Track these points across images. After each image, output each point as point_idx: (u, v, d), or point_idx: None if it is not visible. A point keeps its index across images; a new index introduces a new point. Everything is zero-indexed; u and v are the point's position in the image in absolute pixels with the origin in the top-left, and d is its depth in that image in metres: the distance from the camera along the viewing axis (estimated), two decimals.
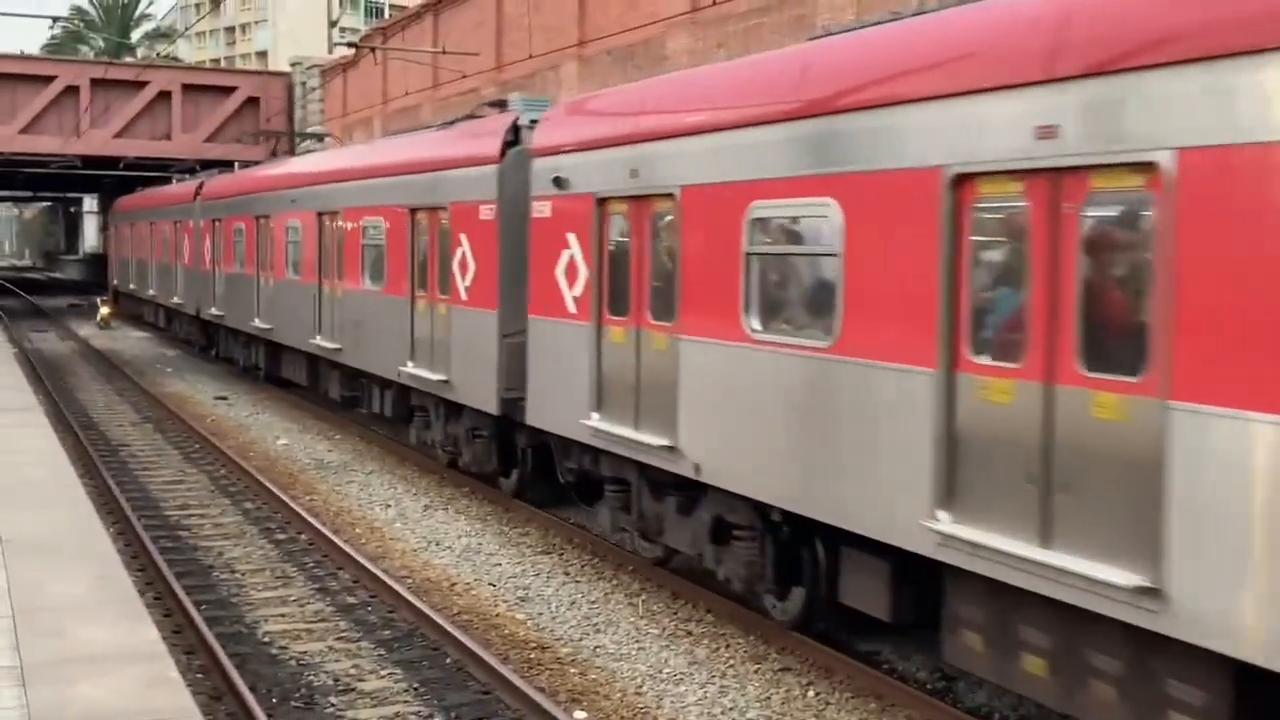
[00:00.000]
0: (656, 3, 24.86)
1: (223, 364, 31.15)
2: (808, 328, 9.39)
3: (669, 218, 11.05)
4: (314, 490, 17.14)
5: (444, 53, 31.26)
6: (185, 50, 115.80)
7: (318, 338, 21.37)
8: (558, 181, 12.77)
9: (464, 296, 15.42)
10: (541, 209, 13.26)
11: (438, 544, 14.18)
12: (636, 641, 10.83)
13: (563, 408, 12.80)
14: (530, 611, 11.70)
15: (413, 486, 17.30)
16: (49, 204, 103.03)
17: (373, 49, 33.39)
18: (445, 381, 15.95)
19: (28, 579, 9.70)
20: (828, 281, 9.09)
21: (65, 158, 43.64)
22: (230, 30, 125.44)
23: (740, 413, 10.02)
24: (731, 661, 10.35)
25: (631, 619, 11.44)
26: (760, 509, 10.17)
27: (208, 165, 40.76)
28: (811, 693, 9.73)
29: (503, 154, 14.62)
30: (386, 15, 78.74)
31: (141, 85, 43.50)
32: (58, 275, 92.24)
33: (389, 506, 16.12)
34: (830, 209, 8.94)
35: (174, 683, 7.67)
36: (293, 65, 48.18)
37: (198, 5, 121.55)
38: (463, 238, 15.39)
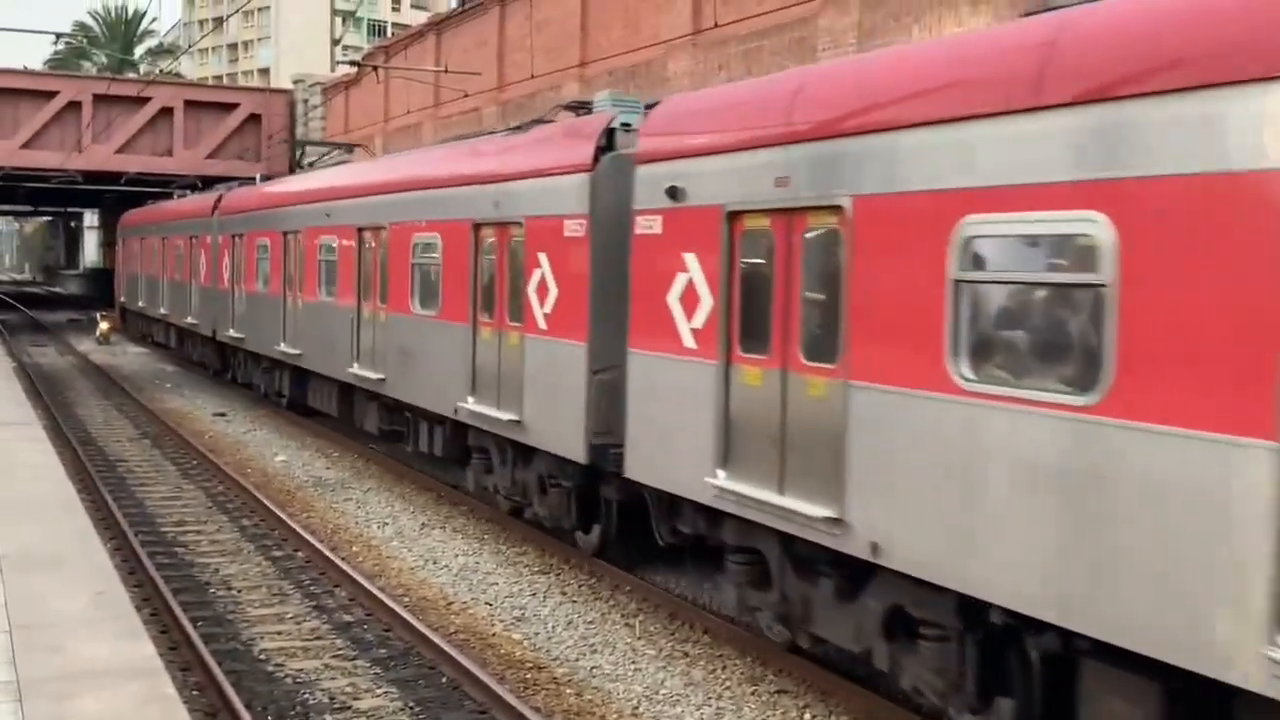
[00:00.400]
0: (658, 25, 24.98)
1: (238, 388, 31.01)
2: (1056, 379, 7.31)
3: (833, 235, 9.06)
4: (311, 507, 17.14)
5: (446, 71, 31.38)
6: (188, 67, 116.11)
7: (355, 366, 19.16)
8: (673, 192, 10.80)
9: (542, 325, 13.33)
10: (648, 224, 11.35)
11: (435, 562, 14.17)
12: (633, 662, 10.83)
13: (674, 460, 10.89)
14: (527, 631, 11.69)
15: (410, 504, 17.29)
16: (49, 219, 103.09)
17: (375, 67, 33.50)
18: (516, 422, 13.80)
19: (25, 594, 9.70)
20: (1091, 317, 7.03)
21: (66, 173, 43.71)
22: (233, 47, 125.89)
23: (946, 483, 7.92)
24: (728, 683, 10.35)
25: (628, 639, 11.43)
26: (965, 604, 8.05)
27: (209, 182, 40.85)
28: (808, 715, 9.73)
29: (595, 161, 12.52)
30: (389, 34, 79.01)
31: (144, 101, 43.59)
32: (57, 290, 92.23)
33: (386, 524, 16.11)
34: (1097, 225, 6.91)
35: (170, 699, 7.67)
36: (295, 82, 48.34)
37: (201, 22, 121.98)
38: (541, 257, 13.30)
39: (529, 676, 10.44)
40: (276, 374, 25.45)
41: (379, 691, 10.02)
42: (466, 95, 31.07)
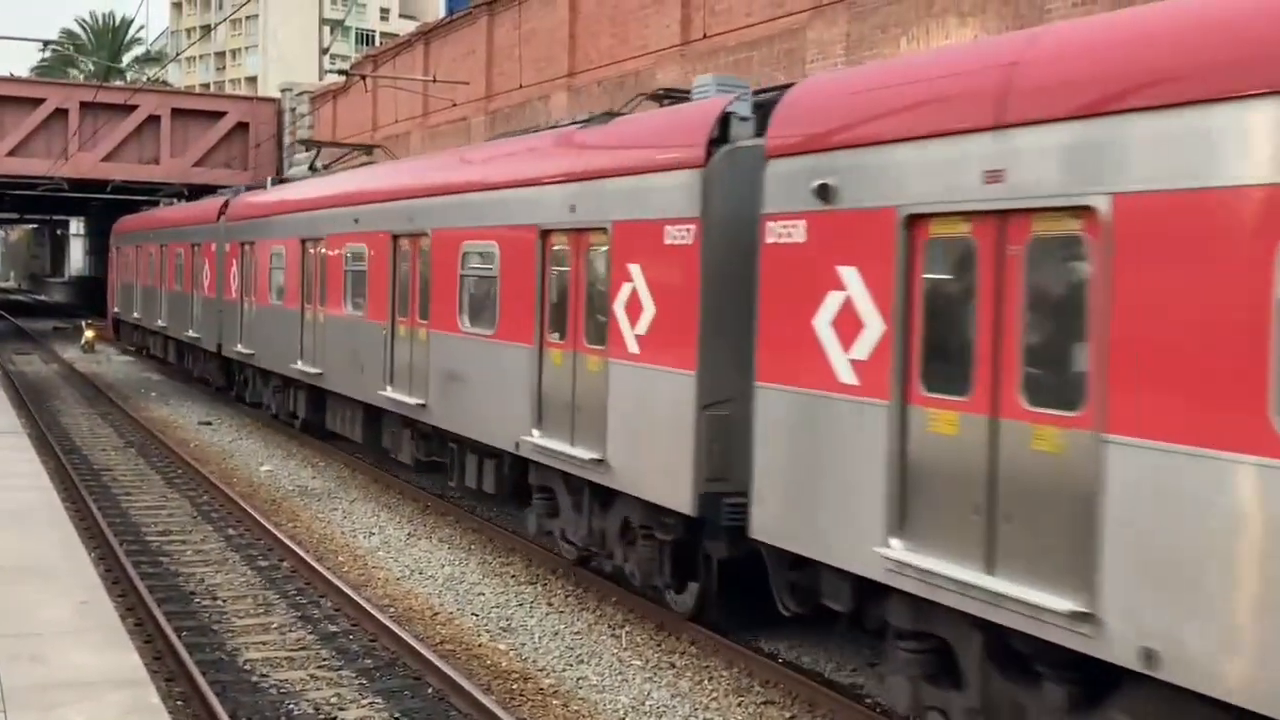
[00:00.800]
0: (647, 35, 25.00)
1: (223, 397, 30.94)
2: None
3: (1075, 244, 7.13)
4: (297, 517, 17.08)
5: (434, 81, 31.32)
6: (175, 75, 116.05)
7: (388, 389, 17.15)
8: (823, 192, 8.87)
9: (633, 348, 11.36)
10: (786, 231, 9.34)
11: (420, 573, 14.13)
12: (620, 673, 10.80)
13: (823, 522, 8.94)
14: (513, 642, 11.66)
15: (396, 515, 17.25)
16: (35, 226, 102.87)
17: (363, 76, 33.47)
18: (597, 461, 11.81)
19: (9, 603, 9.65)
20: None
21: (53, 180, 43.60)
22: (220, 55, 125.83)
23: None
24: (715, 694, 10.33)
25: (615, 650, 11.41)
26: None
27: (195, 190, 40.77)
28: None
29: (709, 155, 10.51)
30: (377, 43, 79.08)
31: (131, 109, 43.51)
32: (43, 298, 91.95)
33: (372, 534, 16.07)
34: None
35: (155, 709, 7.63)
36: (282, 91, 48.28)
37: (188, 30, 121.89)
38: (633, 270, 11.34)
39: (515, 687, 10.41)
40: (290, 393, 23.47)
41: (364, 702, 9.99)
42: (455, 104, 31.05)
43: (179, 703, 9.73)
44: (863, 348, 8.61)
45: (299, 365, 21.53)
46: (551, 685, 10.51)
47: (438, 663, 10.47)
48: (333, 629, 11.94)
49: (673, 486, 10.79)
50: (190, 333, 30.53)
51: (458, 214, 15.29)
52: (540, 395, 13.05)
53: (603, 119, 13.13)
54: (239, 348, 25.76)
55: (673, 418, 10.77)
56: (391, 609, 12.56)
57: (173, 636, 11.03)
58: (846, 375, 8.73)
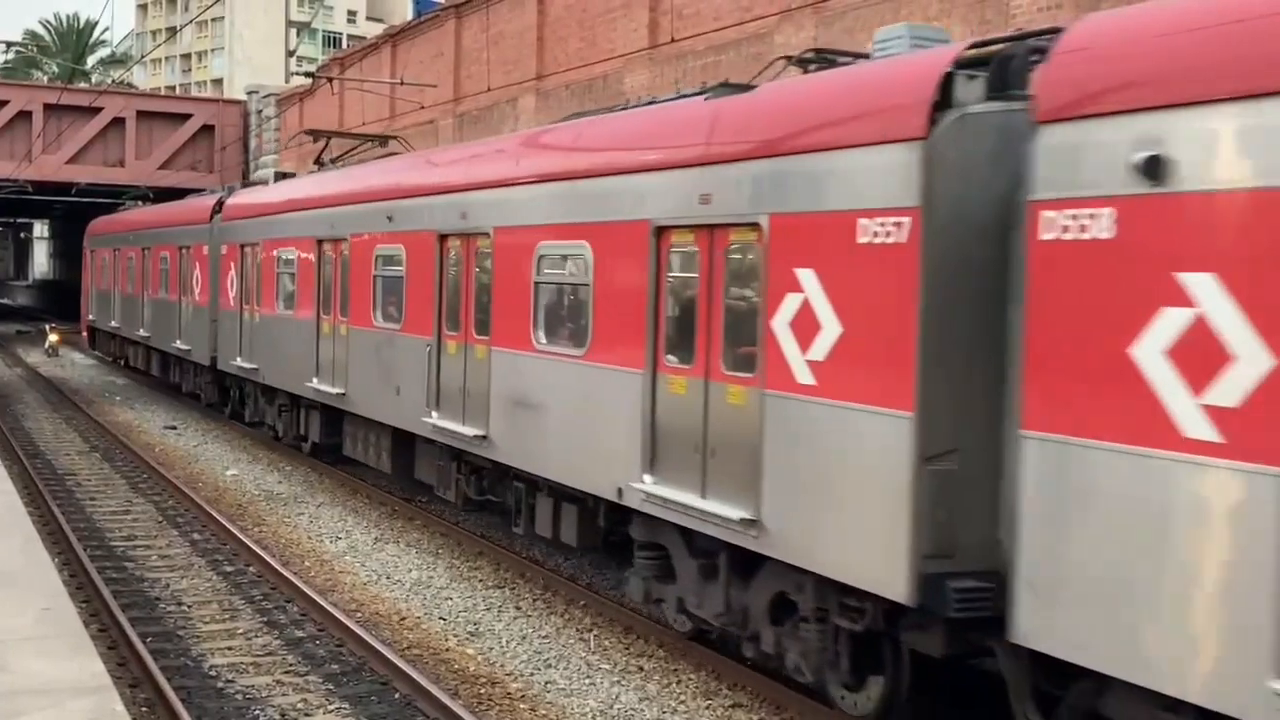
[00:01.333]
0: (615, 39, 25.03)
1: (188, 400, 30.71)
2: None
3: None
4: (263, 522, 16.99)
5: (401, 84, 31.27)
6: (140, 77, 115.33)
7: (434, 416, 14.60)
8: (1152, 167, 6.48)
9: (804, 379, 8.81)
10: (1080, 223, 6.96)
11: (388, 577, 14.08)
12: (588, 677, 10.79)
13: (1152, 634, 6.50)
14: (481, 646, 11.63)
15: (363, 519, 17.18)
16: None
17: (330, 79, 33.37)
18: (749, 522, 9.25)
19: None
20: None
21: (16, 183, 43.29)
22: (186, 58, 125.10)
23: None
24: (683, 698, 10.33)
25: (583, 654, 11.39)
26: None
27: (161, 193, 40.52)
28: None
29: (931, 123, 7.95)
30: (345, 45, 78.77)
31: (95, 111, 43.28)
32: (6, 301, 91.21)
33: (339, 539, 15.99)
34: None
35: (119, 716, 7.56)
36: (249, 93, 48.13)
37: (154, 32, 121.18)
38: (804, 277, 8.83)
39: (483, 692, 10.38)
40: (300, 414, 20.87)
41: (331, 708, 9.94)
42: (422, 107, 31.01)
43: (143, 709, 9.66)
44: (1226, 391, 6.15)
45: (315, 384, 18.94)
46: (519, 689, 10.48)
47: (405, 667, 10.43)
48: (299, 634, 11.88)
49: (873, 562, 8.30)
50: (179, 344, 27.86)
51: (531, 209, 12.70)
52: (654, 432, 10.56)
53: (730, 90, 10.52)
54: (238, 361, 23.10)
55: (875, 472, 8.26)
56: (358, 614, 12.51)
57: (137, 642, 10.95)
58: (1197, 428, 6.27)
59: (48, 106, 42.55)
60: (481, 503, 14.61)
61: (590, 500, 11.91)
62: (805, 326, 8.83)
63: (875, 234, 8.26)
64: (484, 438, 13.44)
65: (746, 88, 10.37)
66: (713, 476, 9.83)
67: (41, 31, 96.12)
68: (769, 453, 9.12)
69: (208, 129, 45.77)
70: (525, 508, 13.25)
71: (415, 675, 10.22)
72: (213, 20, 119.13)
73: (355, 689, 10.35)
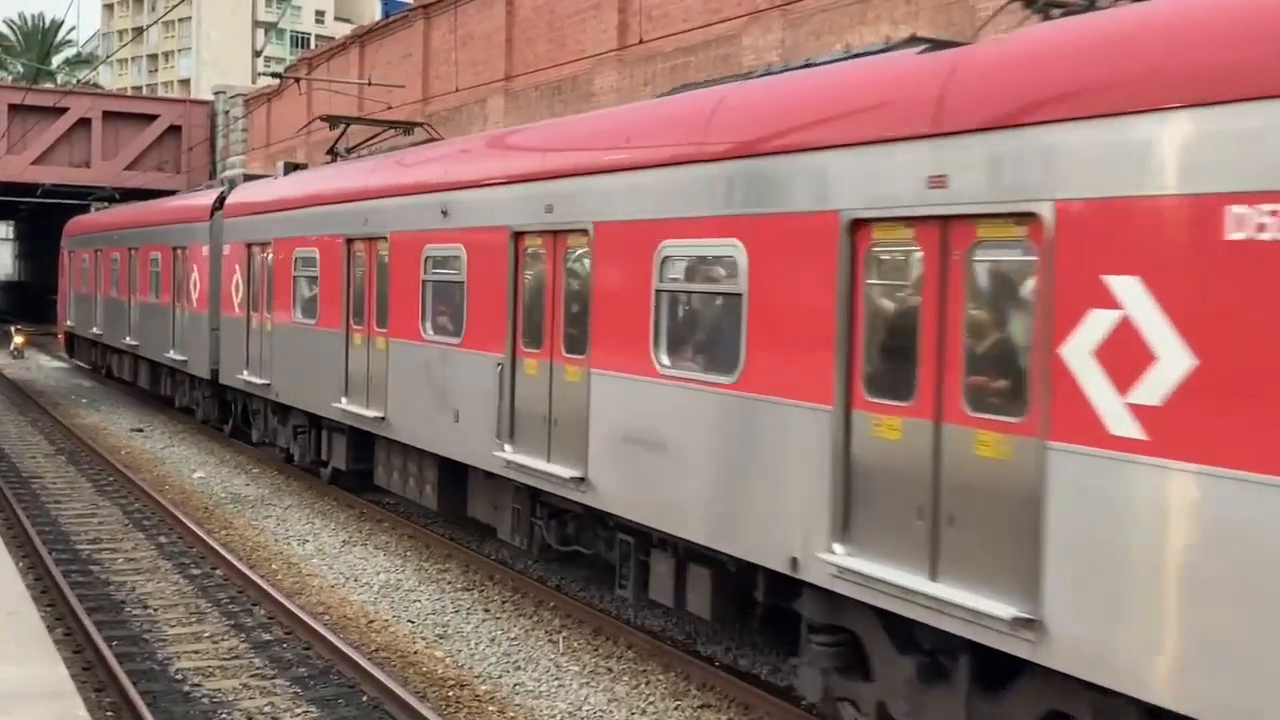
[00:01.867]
0: (584, 40, 25.03)
1: (158, 403, 30.46)
2: None
3: None
4: (230, 524, 16.90)
5: (370, 84, 31.17)
6: (107, 77, 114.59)
7: (508, 449, 12.24)
8: None
9: (1120, 429, 6.36)
10: None
11: (356, 580, 14.03)
12: (556, 679, 10.78)
13: None
14: (449, 648, 11.60)
15: (331, 522, 17.11)
16: None
17: (297, 79, 33.25)
18: (1024, 622, 6.73)
19: None
20: None
21: None
22: (153, 58, 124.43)
23: None
24: (652, 699, 10.33)
25: (552, 656, 11.39)
26: None
27: (127, 194, 40.27)
28: None
29: None
30: (312, 45, 78.48)
31: (61, 111, 43.03)
32: None
33: (306, 542, 15.93)
34: None
35: None
36: (216, 94, 47.94)
37: (120, 32, 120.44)
38: (1121, 287, 6.39)
39: (451, 694, 10.36)
40: (322, 437, 18.34)
41: (298, 711, 9.90)
42: (390, 108, 30.91)
43: (108, 714, 9.60)
44: None
45: (344, 404, 16.33)
46: (488, 691, 10.47)
47: (373, 670, 10.40)
48: (266, 637, 11.82)
49: (1245, 692, 5.79)
50: (172, 354, 25.28)
51: (653, 199, 10.27)
52: (847, 488, 8.14)
53: (938, 46, 8.36)
54: (246, 376, 20.62)
55: (1255, 568, 5.77)
56: (326, 616, 12.46)
57: (103, 646, 10.87)
58: None
59: (12, 107, 42.27)
60: (567, 554, 12.45)
61: (732, 563, 9.55)
62: (1122, 356, 6.36)
63: (1264, 226, 5.80)
64: (582, 480, 10.99)
65: (944, 44, 8.35)
66: (948, 551, 7.37)
67: (6, 31, 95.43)
68: (1055, 527, 6.63)
69: (175, 129, 45.57)
70: (634, 570, 10.92)
71: (383, 678, 10.19)
72: (179, 20, 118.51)
73: (323, 692, 10.31)
